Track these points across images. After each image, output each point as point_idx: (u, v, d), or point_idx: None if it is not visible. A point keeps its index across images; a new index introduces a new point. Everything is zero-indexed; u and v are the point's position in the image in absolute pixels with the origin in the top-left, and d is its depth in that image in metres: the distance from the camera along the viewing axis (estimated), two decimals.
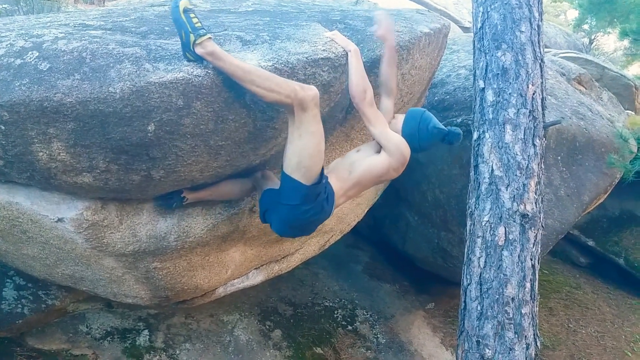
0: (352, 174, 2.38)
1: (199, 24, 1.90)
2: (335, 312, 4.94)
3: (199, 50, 1.92)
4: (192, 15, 1.91)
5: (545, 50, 2.32)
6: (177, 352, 3.88)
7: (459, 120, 4.62)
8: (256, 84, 1.96)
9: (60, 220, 2.35)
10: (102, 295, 3.10)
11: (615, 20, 8.14)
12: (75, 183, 2.16)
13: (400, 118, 2.50)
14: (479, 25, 2.30)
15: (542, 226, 2.07)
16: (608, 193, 5.26)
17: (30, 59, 1.92)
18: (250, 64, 2.04)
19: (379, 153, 2.38)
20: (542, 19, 2.24)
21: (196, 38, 1.90)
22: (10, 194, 2.34)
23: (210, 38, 1.93)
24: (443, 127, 2.44)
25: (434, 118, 2.47)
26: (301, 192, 2.12)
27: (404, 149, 2.34)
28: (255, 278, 3.72)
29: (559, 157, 4.68)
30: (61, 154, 2.01)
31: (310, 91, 2.00)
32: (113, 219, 2.44)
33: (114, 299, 3.13)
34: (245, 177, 2.65)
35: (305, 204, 2.15)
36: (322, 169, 2.15)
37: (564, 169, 4.70)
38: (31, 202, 2.34)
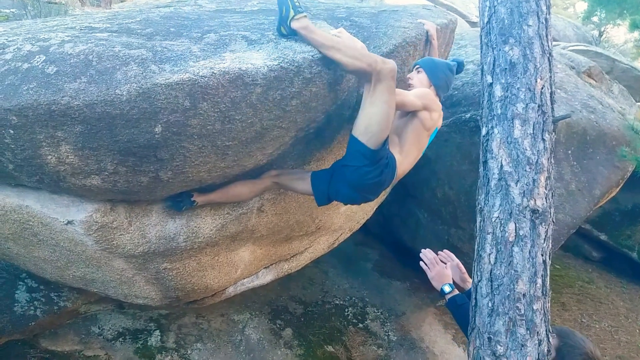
0: (403, 138, 2.56)
1: (298, 3, 2.17)
2: (346, 310, 4.93)
3: (294, 25, 2.19)
4: None
5: (554, 43, 2.29)
6: (189, 352, 3.89)
7: (468, 115, 4.59)
8: (342, 53, 2.17)
9: (70, 222, 2.37)
10: (113, 296, 3.12)
11: (625, 11, 8.02)
12: (84, 185, 2.17)
13: (418, 76, 2.68)
14: (486, 19, 2.28)
15: (553, 221, 2.05)
16: (620, 186, 5.19)
17: (37, 62, 1.94)
18: (335, 36, 2.28)
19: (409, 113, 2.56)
20: (549, 13, 2.21)
21: (295, 14, 2.17)
22: (20, 197, 2.36)
23: (305, 16, 2.20)
24: (450, 61, 2.76)
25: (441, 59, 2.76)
26: (365, 155, 2.29)
27: (422, 90, 2.54)
28: (265, 277, 3.72)
29: (570, 151, 4.62)
30: (69, 157, 2.03)
31: (390, 64, 2.13)
32: (122, 220, 2.45)
33: (124, 300, 3.14)
34: (254, 179, 2.66)
35: (368, 166, 2.32)
36: (387, 138, 2.29)
37: (575, 163, 4.65)
38: (41, 205, 2.36)
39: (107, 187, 2.19)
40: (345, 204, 2.80)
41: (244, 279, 3.53)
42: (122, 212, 2.44)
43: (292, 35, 2.27)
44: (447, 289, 2.21)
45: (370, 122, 2.22)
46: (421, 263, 2.30)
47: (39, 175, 2.15)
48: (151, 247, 2.59)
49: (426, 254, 2.31)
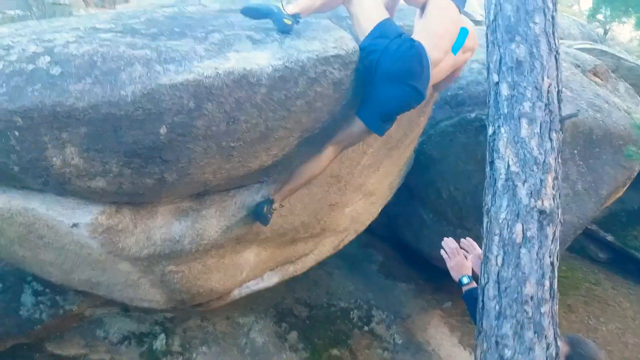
0: (424, 30, 2.51)
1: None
2: (351, 312, 4.90)
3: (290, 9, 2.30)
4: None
5: (560, 41, 2.27)
6: (194, 355, 3.88)
7: (473, 115, 4.56)
8: None
9: (75, 225, 2.37)
10: (119, 299, 3.11)
11: (630, 9, 7.97)
12: (89, 188, 2.17)
13: None
14: (492, 17, 2.25)
15: (561, 222, 2.02)
16: (627, 186, 5.15)
17: (42, 64, 1.93)
18: None
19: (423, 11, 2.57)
20: (556, 10, 2.18)
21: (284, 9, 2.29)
22: (26, 200, 2.35)
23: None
24: None
25: None
26: (372, 34, 2.35)
27: None
28: (270, 280, 3.71)
29: (576, 151, 4.59)
30: (75, 159, 2.02)
31: None
32: (127, 223, 2.44)
33: (130, 303, 3.14)
34: (316, 154, 2.66)
35: (388, 44, 2.31)
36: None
37: (581, 162, 4.61)
38: (47, 208, 2.36)
39: (112, 189, 2.19)
40: (401, 111, 2.64)
41: (249, 281, 3.52)
42: (128, 215, 2.44)
43: (295, 19, 2.32)
44: (465, 280, 2.18)
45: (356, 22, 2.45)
46: (442, 251, 2.27)
47: (44, 177, 2.14)
48: (156, 249, 2.58)
49: (448, 242, 2.27)
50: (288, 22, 2.29)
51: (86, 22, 2.35)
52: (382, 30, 2.36)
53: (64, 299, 3.59)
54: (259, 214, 2.69)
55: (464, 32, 2.63)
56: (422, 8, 2.56)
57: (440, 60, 2.50)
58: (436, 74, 2.52)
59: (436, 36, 2.49)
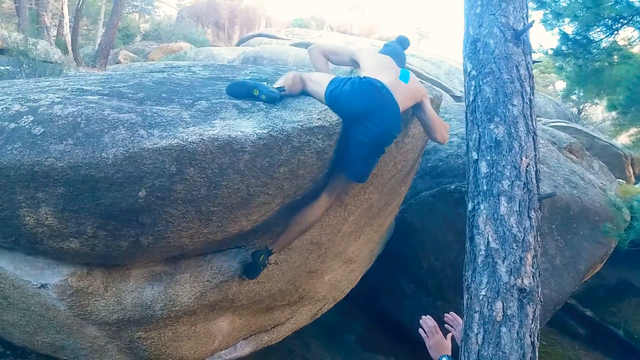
0: (364, 70, 2.74)
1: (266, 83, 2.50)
2: None
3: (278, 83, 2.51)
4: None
5: (537, 119, 2.36)
6: None
7: (453, 186, 4.64)
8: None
9: (43, 286, 2.28)
10: None
11: (602, 92, 8.40)
12: (61, 248, 2.11)
13: None
14: (472, 98, 2.34)
15: (541, 301, 2.01)
16: (604, 262, 5.19)
17: (24, 123, 1.93)
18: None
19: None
20: (533, 93, 2.29)
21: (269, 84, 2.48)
22: None
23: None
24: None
25: None
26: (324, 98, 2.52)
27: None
28: (244, 349, 3.56)
29: (554, 226, 4.66)
30: (49, 219, 1.98)
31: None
32: (98, 285, 2.36)
33: None
34: (313, 201, 2.65)
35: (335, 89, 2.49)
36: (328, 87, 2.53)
37: (559, 237, 4.67)
38: (14, 267, 2.28)
39: (85, 250, 2.13)
40: (380, 146, 2.64)
41: (222, 350, 3.37)
42: (99, 277, 2.36)
43: (280, 91, 2.45)
44: None
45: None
46: (420, 330, 2.21)
47: (15, 236, 2.09)
48: (126, 314, 2.48)
49: (426, 321, 2.22)
50: (275, 91, 2.39)
51: (74, 83, 2.38)
52: (333, 82, 2.54)
53: None
54: (253, 263, 2.63)
55: (405, 72, 2.80)
56: (355, 64, 2.90)
57: (393, 84, 2.59)
58: (400, 97, 2.58)
59: (377, 69, 2.66)
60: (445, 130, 2.98)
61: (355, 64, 2.92)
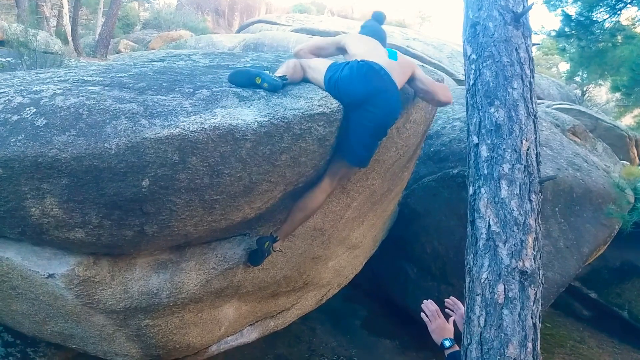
0: (356, 55, 2.70)
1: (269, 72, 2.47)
2: None
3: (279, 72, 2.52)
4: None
5: (539, 101, 2.36)
6: None
7: (456, 171, 4.64)
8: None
9: (51, 276, 2.31)
10: (92, 353, 2.99)
11: (606, 73, 8.33)
12: (67, 238, 2.13)
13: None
14: (472, 82, 2.34)
15: (542, 283, 2.02)
16: (607, 244, 5.20)
17: (27, 115, 1.94)
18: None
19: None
20: (533, 76, 2.28)
21: (271, 73, 2.46)
22: (1, 249, 2.31)
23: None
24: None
25: None
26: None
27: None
28: (250, 335, 3.61)
29: (557, 209, 4.66)
30: (54, 210, 2.00)
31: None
32: (105, 274, 2.39)
33: (103, 357, 3.01)
34: (315, 186, 2.66)
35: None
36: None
37: (562, 220, 4.68)
38: (22, 258, 2.31)
39: (90, 240, 2.15)
40: (383, 128, 2.64)
41: (228, 336, 3.41)
42: (105, 266, 2.38)
43: (282, 79, 2.46)
44: (447, 343, 2.14)
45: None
46: (422, 314, 2.24)
47: (21, 227, 2.11)
48: (133, 302, 2.51)
49: (428, 305, 2.24)
50: (275, 79, 2.39)
51: (75, 74, 2.39)
52: (331, 68, 2.54)
53: (35, 351, 3.43)
54: (257, 250, 2.66)
55: (391, 50, 2.81)
56: (342, 51, 2.90)
57: (388, 65, 2.59)
58: (396, 77, 2.58)
59: (369, 52, 2.66)
60: (446, 90, 2.94)
61: (342, 51, 2.91)
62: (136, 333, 2.74)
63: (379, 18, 3.11)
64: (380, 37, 2.97)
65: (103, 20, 13.83)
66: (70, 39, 12.85)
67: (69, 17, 13.66)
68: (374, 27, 3.04)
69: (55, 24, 15.17)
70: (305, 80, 2.62)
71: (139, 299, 2.52)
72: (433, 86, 2.87)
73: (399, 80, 2.62)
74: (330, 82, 2.47)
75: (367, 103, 2.44)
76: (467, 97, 2.39)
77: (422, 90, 2.85)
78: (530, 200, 2.07)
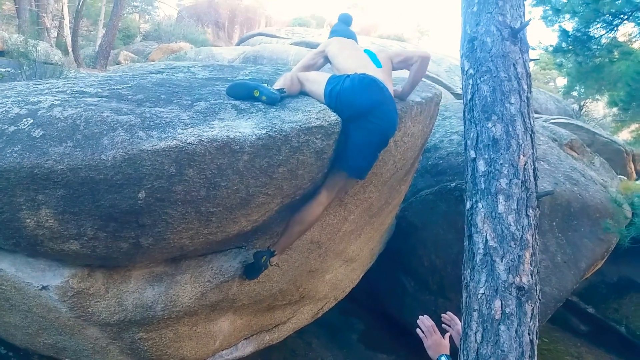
0: (348, 69, 2.74)
1: (266, 84, 2.51)
2: None
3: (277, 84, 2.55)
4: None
5: (537, 116, 2.37)
6: None
7: (453, 184, 4.64)
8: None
9: (44, 288, 2.29)
10: None
11: (603, 88, 8.40)
12: (62, 250, 2.12)
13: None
14: (469, 97, 2.35)
15: (539, 299, 2.01)
16: (605, 259, 5.19)
17: (24, 125, 1.94)
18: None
19: None
20: (530, 91, 2.29)
21: (269, 85, 2.50)
22: None
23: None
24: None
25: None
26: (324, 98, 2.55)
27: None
28: (245, 349, 3.57)
29: (554, 223, 4.65)
30: (49, 221, 1.98)
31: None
32: (99, 287, 2.37)
33: None
34: (312, 198, 2.65)
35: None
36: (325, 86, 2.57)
37: (560, 234, 4.67)
38: (16, 269, 2.29)
39: (85, 252, 2.14)
40: (385, 140, 2.66)
41: (223, 350, 3.38)
42: (100, 278, 2.36)
43: (280, 92, 2.48)
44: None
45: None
46: (418, 330, 2.22)
47: (15, 238, 2.09)
48: (127, 315, 2.49)
49: (424, 321, 2.22)
50: (275, 92, 2.41)
51: (73, 85, 2.39)
52: (332, 80, 2.57)
53: None
54: (254, 264, 2.64)
55: (369, 52, 2.86)
56: (327, 59, 2.98)
57: (378, 74, 2.62)
58: (389, 86, 2.63)
59: (359, 63, 2.70)
60: (419, 48, 3.04)
61: (327, 59, 3.00)
62: (130, 346, 2.71)
63: (346, 20, 3.23)
64: (353, 38, 3.07)
65: (103, 32, 13.91)
66: (70, 49, 12.91)
67: (70, 28, 13.74)
68: (344, 31, 3.14)
69: (55, 35, 15.26)
70: (303, 93, 2.63)
71: (133, 312, 2.49)
72: (407, 53, 2.93)
73: (390, 88, 2.66)
74: (332, 94, 2.48)
75: (369, 114, 2.45)
76: (464, 112, 2.39)
77: (402, 62, 2.90)
78: (527, 216, 2.07)
